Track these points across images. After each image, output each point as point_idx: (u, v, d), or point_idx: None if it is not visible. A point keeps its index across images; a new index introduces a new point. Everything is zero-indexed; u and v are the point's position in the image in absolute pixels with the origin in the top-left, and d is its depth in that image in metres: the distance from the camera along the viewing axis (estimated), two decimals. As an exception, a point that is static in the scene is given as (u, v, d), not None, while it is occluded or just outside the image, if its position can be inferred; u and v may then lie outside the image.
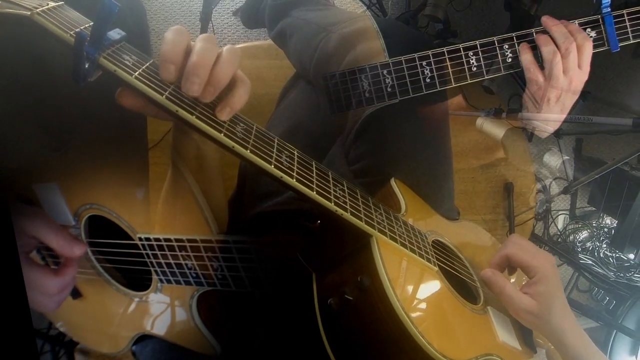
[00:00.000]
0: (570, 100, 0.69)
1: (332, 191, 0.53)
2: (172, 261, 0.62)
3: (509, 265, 0.70)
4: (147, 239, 0.62)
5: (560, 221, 1.48)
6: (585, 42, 0.66)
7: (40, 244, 0.62)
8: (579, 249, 1.42)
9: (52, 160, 0.62)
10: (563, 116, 0.72)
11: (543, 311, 0.62)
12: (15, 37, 0.52)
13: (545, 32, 0.68)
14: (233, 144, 0.47)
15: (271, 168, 0.49)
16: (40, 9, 0.47)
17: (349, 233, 0.54)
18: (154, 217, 0.62)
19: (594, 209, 1.46)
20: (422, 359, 0.50)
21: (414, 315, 0.50)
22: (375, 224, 0.55)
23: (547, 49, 0.65)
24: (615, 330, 1.28)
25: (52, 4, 0.49)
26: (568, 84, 0.67)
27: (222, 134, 0.47)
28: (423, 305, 0.55)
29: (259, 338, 0.65)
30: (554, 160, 1.04)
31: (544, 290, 0.63)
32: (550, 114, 0.71)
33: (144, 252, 0.62)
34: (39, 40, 0.49)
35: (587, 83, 0.70)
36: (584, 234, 1.44)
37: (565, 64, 0.66)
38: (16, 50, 0.55)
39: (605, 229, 1.43)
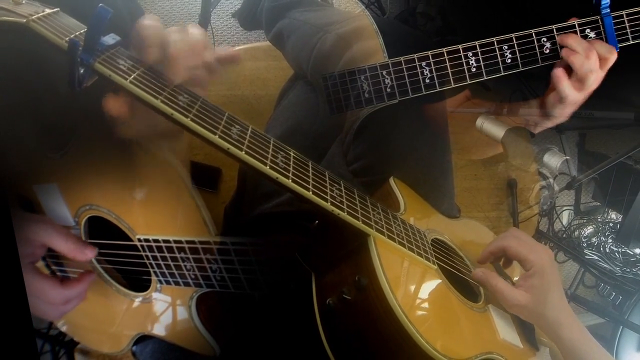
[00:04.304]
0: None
1: (328, 191, 0.53)
2: (171, 262, 0.62)
3: (505, 258, 0.70)
4: (147, 240, 0.62)
5: (565, 217, 1.47)
6: (610, 55, 0.68)
7: (48, 252, 0.62)
8: (585, 245, 1.41)
9: (52, 161, 0.62)
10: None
11: (537, 304, 0.62)
12: (16, 40, 0.53)
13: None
14: (228, 145, 0.48)
15: (266, 169, 0.49)
16: (36, 15, 0.47)
17: (346, 233, 0.54)
18: (153, 218, 0.62)
19: (598, 204, 1.46)
20: (421, 358, 0.51)
21: (411, 314, 0.50)
22: (372, 223, 0.55)
23: (579, 62, 0.68)
24: (621, 326, 1.26)
25: (47, 10, 0.49)
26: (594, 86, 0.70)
27: (217, 136, 0.47)
28: (421, 304, 0.55)
29: (258, 339, 0.66)
30: (554, 160, 1.03)
31: (539, 283, 0.62)
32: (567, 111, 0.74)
33: (143, 253, 0.63)
34: (38, 43, 0.49)
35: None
36: (589, 230, 1.43)
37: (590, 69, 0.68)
38: (17, 52, 0.55)
39: (611, 224, 1.41)
